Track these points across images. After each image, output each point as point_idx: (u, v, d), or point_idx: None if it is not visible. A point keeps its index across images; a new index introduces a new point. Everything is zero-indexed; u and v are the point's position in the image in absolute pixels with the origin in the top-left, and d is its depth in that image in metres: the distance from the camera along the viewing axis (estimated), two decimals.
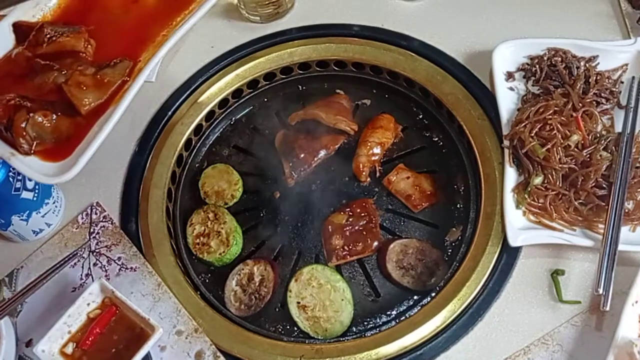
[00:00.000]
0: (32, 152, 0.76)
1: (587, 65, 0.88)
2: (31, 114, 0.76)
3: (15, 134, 0.75)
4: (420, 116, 0.98)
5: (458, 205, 0.89)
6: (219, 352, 0.77)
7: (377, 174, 0.92)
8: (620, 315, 0.70)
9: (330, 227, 0.87)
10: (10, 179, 0.78)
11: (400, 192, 0.90)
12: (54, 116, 0.77)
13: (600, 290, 0.71)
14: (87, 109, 0.78)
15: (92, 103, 0.79)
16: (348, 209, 0.87)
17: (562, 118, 0.82)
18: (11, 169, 0.77)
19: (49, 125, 0.76)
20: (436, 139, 0.95)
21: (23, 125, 0.75)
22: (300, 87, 1.03)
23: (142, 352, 0.72)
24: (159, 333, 0.73)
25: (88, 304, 0.77)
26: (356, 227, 0.86)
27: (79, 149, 0.75)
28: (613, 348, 0.68)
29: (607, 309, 0.71)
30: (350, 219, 0.86)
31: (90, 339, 0.75)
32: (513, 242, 0.77)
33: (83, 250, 0.85)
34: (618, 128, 0.84)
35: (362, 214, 0.87)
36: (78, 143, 0.76)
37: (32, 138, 0.76)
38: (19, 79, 0.82)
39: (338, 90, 1.01)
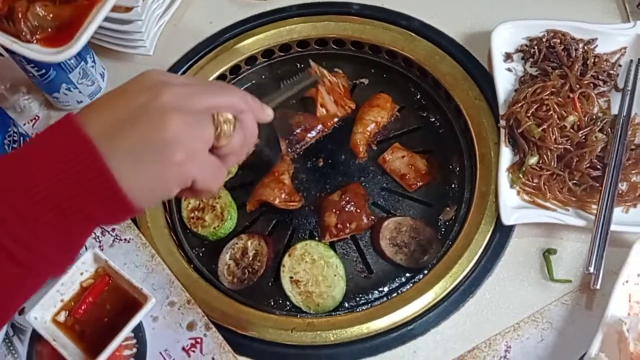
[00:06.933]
0: (34, 40, 0.77)
1: (585, 47, 0.88)
2: (31, 4, 0.77)
3: (16, 22, 0.76)
4: (418, 96, 0.97)
5: (453, 185, 0.89)
6: (211, 323, 0.77)
7: (374, 148, 0.93)
8: (610, 294, 0.70)
9: (324, 204, 0.87)
10: (6, 147, 0.78)
11: (395, 171, 0.90)
12: (54, 5, 0.78)
13: (591, 269, 0.72)
14: None
15: None
16: (342, 189, 0.88)
17: (559, 99, 0.82)
18: (6, 136, 0.76)
19: (49, 14, 0.77)
20: (433, 119, 0.95)
21: (24, 12, 0.76)
22: (298, 64, 1.02)
23: (134, 321, 0.72)
24: (152, 303, 0.73)
25: (81, 273, 0.77)
26: (350, 206, 0.86)
27: (79, 33, 0.77)
28: (602, 326, 0.68)
29: (598, 287, 0.71)
30: (345, 197, 0.86)
31: (82, 307, 0.76)
32: (506, 220, 0.78)
33: None
34: (614, 110, 0.84)
35: (355, 195, 0.87)
36: (78, 29, 0.77)
37: (34, 27, 0.76)
38: None
39: (336, 69, 1.01)
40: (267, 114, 0.57)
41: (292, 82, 0.67)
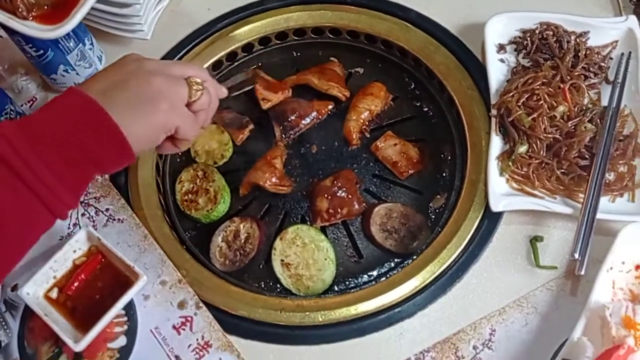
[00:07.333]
0: (30, 17, 0.79)
1: (577, 40, 0.89)
2: None
3: None
4: (412, 86, 0.98)
5: (444, 174, 0.90)
6: (202, 302, 0.78)
7: (367, 135, 0.94)
8: (594, 281, 0.71)
9: (316, 189, 0.88)
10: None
11: (387, 159, 0.91)
12: None
13: (577, 255, 0.73)
14: None
15: None
16: (334, 175, 0.89)
17: (550, 89, 0.83)
18: (3, 113, 0.77)
19: None
20: (426, 109, 0.96)
21: None
22: (294, 53, 1.03)
23: (125, 298, 0.74)
24: (143, 280, 0.74)
25: (74, 251, 0.78)
26: (341, 192, 0.87)
27: (74, 10, 0.79)
28: (586, 311, 0.70)
29: (582, 273, 0.72)
30: (337, 182, 0.87)
31: (75, 284, 0.77)
32: (495, 207, 0.79)
33: None
34: (604, 102, 0.85)
35: (347, 181, 0.88)
36: (74, 6, 0.79)
37: (30, 4, 0.78)
38: None
39: (332, 58, 1.02)
40: (223, 91, 0.71)
41: (233, 79, 0.81)
